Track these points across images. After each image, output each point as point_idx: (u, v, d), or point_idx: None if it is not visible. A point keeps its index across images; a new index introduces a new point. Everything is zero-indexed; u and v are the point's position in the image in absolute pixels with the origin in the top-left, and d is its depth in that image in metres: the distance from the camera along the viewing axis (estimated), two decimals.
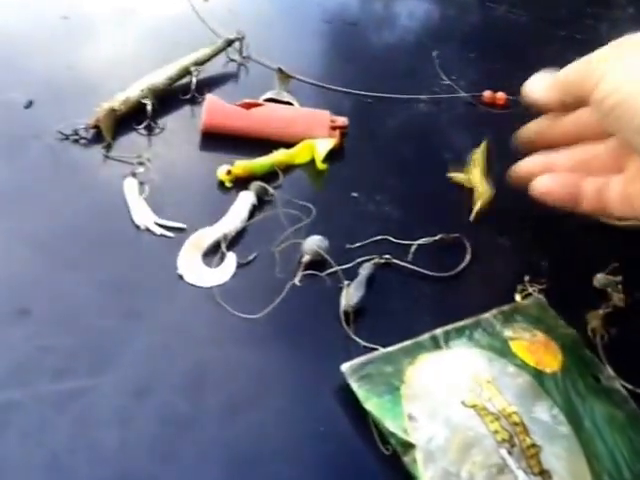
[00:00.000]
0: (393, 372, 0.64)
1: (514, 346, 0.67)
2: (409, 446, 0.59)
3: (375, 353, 0.66)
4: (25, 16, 0.99)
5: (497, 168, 0.86)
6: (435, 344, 0.67)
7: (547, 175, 0.74)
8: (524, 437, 0.59)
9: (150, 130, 0.85)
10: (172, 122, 0.87)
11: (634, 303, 0.76)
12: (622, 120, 0.64)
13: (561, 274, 0.78)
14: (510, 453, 0.59)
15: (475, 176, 0.83)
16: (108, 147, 0.82)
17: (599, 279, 0.77)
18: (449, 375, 0.64)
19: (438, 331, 0.68)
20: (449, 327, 0.68)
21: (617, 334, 0.73)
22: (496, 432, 0.59)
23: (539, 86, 0.74)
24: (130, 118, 0.85)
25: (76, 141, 0.82)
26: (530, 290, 0.74)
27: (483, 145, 0.85)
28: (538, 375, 0.65)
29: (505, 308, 0.71)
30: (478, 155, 0.85)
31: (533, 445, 0.59)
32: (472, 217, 0.81)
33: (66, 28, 0.98)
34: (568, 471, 0.60)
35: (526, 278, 0.75)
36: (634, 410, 0.66)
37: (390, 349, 0.66)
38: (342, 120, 0.86)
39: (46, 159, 0.80)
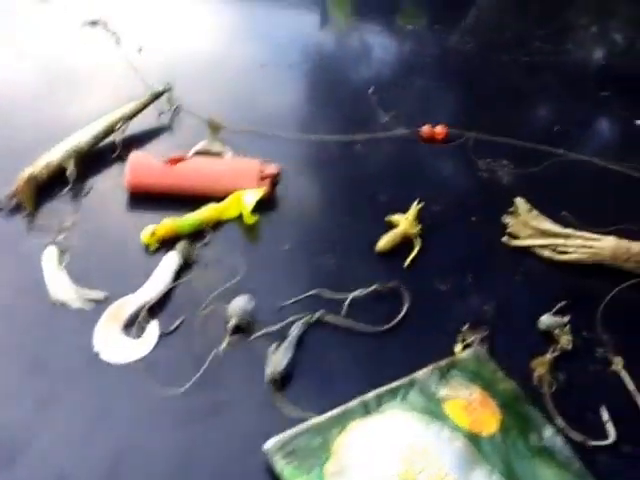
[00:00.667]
0: (321, 445, 0.56)
1: (449, 407, 0.59)
2: None
3: (302, 425, 0.57)
4: None
5: (434, 208, 0.79)
6: (366, 410, 0.58)
7: None
8: None
9: (75, 194, 0.77)
10: (99, 183, 0.79)
11: (583, 343, 0.68)
12: None
13: (505, 318, 0.70)
14: None
15: (410, 224, 0.76)
16: (30, 216, 0.74)
17: (544, 321, 0.68)
18: (379, 445, 0.55)
19: (370, 395, 0.59)
20: (382, 390, 0.60)
21: (566, 380, 0.64)
22: None
23: None
24: (55, 182, 0.77)
25: None
26: (471, 339, 0.66)
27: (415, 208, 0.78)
28: (475, 438, 0.56)
29: (442, 363, 0.63)
30: (414, 209, 0.77)
31: None
32: (406, 264, 0.73)
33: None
34: None
35: (464, 327, 0.67)
36: (580, 470, 0.57)
37: (318, 419, 0.58)
38: (272, 169, 0.78)
39: None
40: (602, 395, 0.64)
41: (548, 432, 0.59)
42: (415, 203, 0.76)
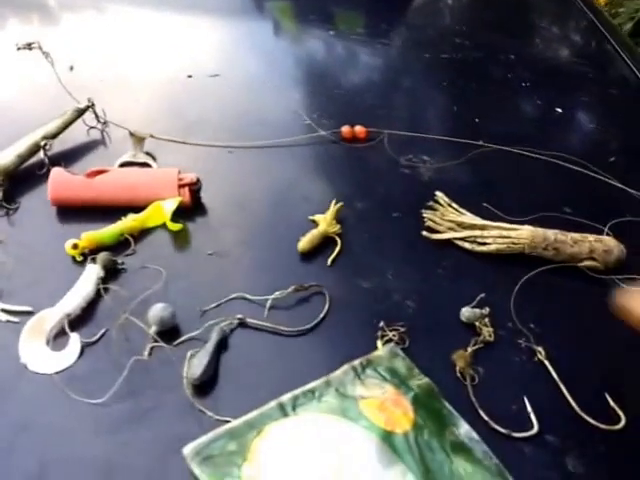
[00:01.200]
0: (237, 450, 0.53)
1: (364, 406, 0.56)
2: None
3: (218, 430, 0.55)
4: None
5: (357, 205, 0.77)
6: (282, 412, 0.56)
7: None
8: None
9: (4, 211, 0.74)
10: (27, 200, 0.76)
11: (506, 334, 0.66)
12: None
13: (428, 313, 0.68)
14: None
15: (329, 223, 0.73)
16: None
17: (464, 313, 0.66)
18: (295, 447, 0.53)
19: (286, 397, 0.57)
20: (298, 391, 0.57)
21: (488, 372, 0.62)
22: None
23: None
24: None
25: None
26: (390, 335, 0.63)
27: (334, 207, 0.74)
28: (388, 437, 0.54)
29: (356, 362, 0.60)
30: (332, 208, 0.74)
31: None
32: (328, 263, 0.70)
33: None
34: None
35: (381, 324, 0.64)
36: (496, 466, 0.55)
37: (234, 423, 0.55)
38: (190, 177, 0.75)
39: None
40: (526, 386, 0.62)
41: (464, 428, 0.57)
42: (333, 202, 0.74)
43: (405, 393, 0.58)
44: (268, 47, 1.11)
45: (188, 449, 0.53)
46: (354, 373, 0.59)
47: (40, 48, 0.87)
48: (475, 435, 0.56)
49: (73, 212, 0.75)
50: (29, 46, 0.88)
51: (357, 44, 1.12)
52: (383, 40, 1.10)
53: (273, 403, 0.56)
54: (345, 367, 0.59)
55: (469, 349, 0.63)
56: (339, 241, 0.72)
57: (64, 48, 0.97)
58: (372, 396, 0.57)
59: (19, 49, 0.88)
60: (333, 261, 0.71)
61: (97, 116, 0.84)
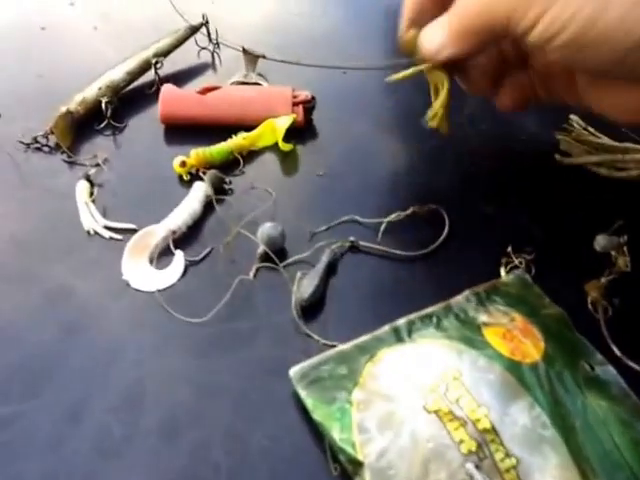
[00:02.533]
0: (347, 374, 0.48)
1: (488, 334, 0.49)
2: (358, 464, 0.43)
3: (328, 352, 0.50)
4: (3, 27, 0.87)
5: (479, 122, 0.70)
6: (397, 337, 0.50)
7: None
8: (496, 447, 0.42)
9: (112, 130, 0.71)
10: (136, 119, 0.72)
11: None
12: (585, 53, 0.46)
13: (555, 240, 0.60)
14: (478, 467, 0.42)
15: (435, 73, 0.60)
16: (67, 152, 0.68)
17: (600, 241, 0.57)
18: (410, 374, 0.47)
19: (401, 321, 0.51)
20: (414, 315, 0.52)
21: (622, 304, 0.54)
22: (461, 442, 0.43)
23: (438, 39, 0.53)
24: (92, 119, 0.71)
25: (37, 149, 0.69)
26: (516, 262, 0.57)
27: None
28: (515, 367, 0.47)
29: (480, 288, 0.54)
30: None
31: (508, 456, 0.42)
32: (427, 118, 0.60)
33: (43, 38, 0.85)
34: None
35: (509, 249, 0.57)
36: (635, 405, 0.48)
37: (345, 346, 0.50)
38: (305, 94, 0.70)
39: (4, 171, 0.67)
40: None
41: (600, 362, 0.50)
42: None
43: (534, 322, 0.51)
44: None
45: (294, 371, 0.48)
46: (477, 299, 0.53)
47: None
48: (612, 369, 0.49)
49: (182, 131, 0.71)
50: None
51: None
52: None
53: (387, 327, 0.51)
54: (467, 292, 0.53)
55: (603, 279, 0.55)
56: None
57: None
58: (497, 323, 0.50)
59: None
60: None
61: (209, 35, 0.80)
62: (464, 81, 0.61)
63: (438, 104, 0.59)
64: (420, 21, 0.56)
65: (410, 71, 0.58)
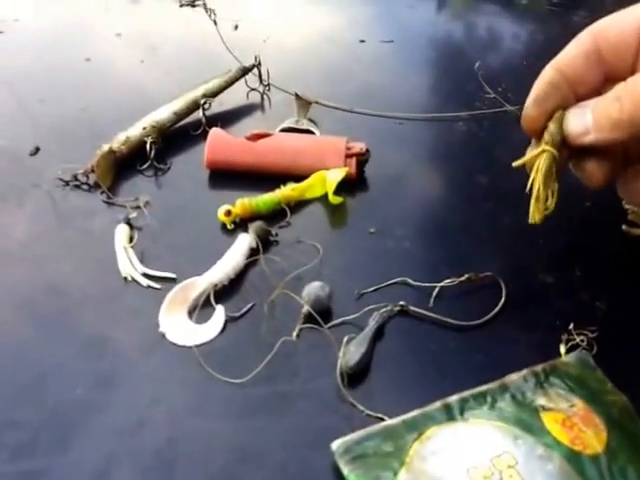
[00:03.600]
0: (393, 451, 0.48)
1: (546, 419, 0.49)
2: None
3: (373, 427, 0.49)
4: (46, 56, 0.90)
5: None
6: (448, 415, 0.50)
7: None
8: None
9: (154, 171, 0.73)
10: (179, 161, 0.74)
11: None
12: None
13: (620, 317, 0.59)
14: None
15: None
16: (107, 192, 0.69)
17: None
18: (461, 457, 0.46)
19: (453, 398, 0.51)
20: (467, 393, 0.51)
21: None
22: None
23: (586, 124, 0.54)
24: (134, 159, 0.73)
25: (76, 187, 0.71)
26: (577, 340, 0.56)
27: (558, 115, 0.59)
28: (575, 458, 0.46)
29: (539, 368, 0.53)
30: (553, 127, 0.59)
31: None
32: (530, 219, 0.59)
33: (87, 70, 0.88)
34: None
35: (571, 326, 0.57)
36: None
37: (392, 421, 0.50)
38: (359, 146, 0.70)
39: (42, 209, 0.69)
40: None
41: None
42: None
43: (596, 409, 0.50)
44: (456, 19, 1.05)
45: (337, 444, 0.48)
46: (535, 380, 0.52)
47: (204, 5, 0.86)
48: None
49: (227, 177, 0.72)
50: (193, 3, 0.88)
51: (549, 15, 1.04)
52: (580, 11, 1.01)
53: (438, 403, 0.50)
54: (524, 372, 0.52)
55: None
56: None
57: (228, 5, 0.96)
58: (557, 409, 0.50)
59: (182, 6, 0.88)
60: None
61: (261, 77, 0.81)
62: (580, 168, 0.60)
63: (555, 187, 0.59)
64: (546, 102, 0.57)
65: (534, 153, 0.58)
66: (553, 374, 0.53)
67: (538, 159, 0.57)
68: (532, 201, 0.58)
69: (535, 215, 0.58)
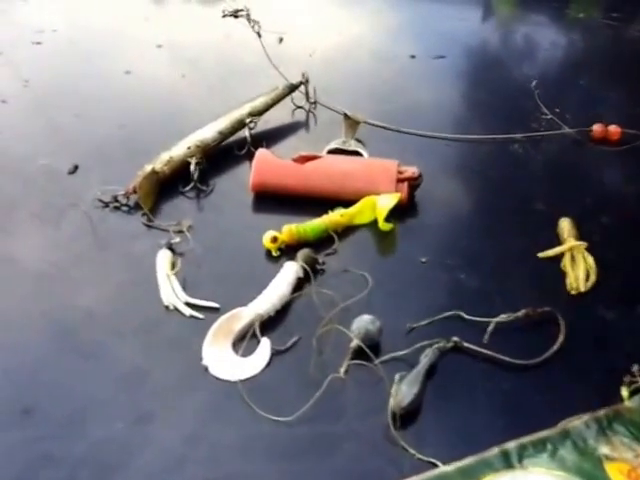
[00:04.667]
0: None
1: (610, 470, 0.48)
2: None
3: (426, 474, 0.49)
4: (85, 68, 0.91)
5: (603, 220, 0.69)
6: (506, 462, 0.49)
7: None
8: None
9: (197, 193, 0.73)
10: (223, 182, 0.75)
11: None
12: None
13: None
14: None
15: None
16: (148, 214, 0.70)
17: None
18: None
19: (511, 444, 0.50)
20: (526, 439, 0.50)
21: None
22: None
23: None
24: (176, 180, 0.73)
25: (116, 208, 0.72)
26: None
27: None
28: None
29: (601, 413, 0.52)
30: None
31: None
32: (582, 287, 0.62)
33: (127, 84, 0.89)
34: None
35: (635, 368, 0.56)
36: None
37: (446, 468, 0.49)
38: (412, 171, 0.70)
39: (80, 230, 0.69)
40: None
41: None
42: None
43: None
44: (507, 34, 1.05)
45: None
46: (598, 426, 0.51)
47: (248, 16, 0.86)
48: None
49: (272, 200, 0.72)
50: (236, 13, 0.88)
51: (604, 28, 1.03)
52: (637, 25, 1.00)
53: (495, 449, 0.50)
54: (586, 417, 0.52)
55: None
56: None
57: (272, 17, 0.96)
58: (621, 458, 0.49)
59: (224, 16, 0.88)
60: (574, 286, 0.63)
61: (307, 94, 0.82)
62: None
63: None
64: None
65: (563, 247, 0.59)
66: (616, 420, 0.52)
67: None
68: None
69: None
